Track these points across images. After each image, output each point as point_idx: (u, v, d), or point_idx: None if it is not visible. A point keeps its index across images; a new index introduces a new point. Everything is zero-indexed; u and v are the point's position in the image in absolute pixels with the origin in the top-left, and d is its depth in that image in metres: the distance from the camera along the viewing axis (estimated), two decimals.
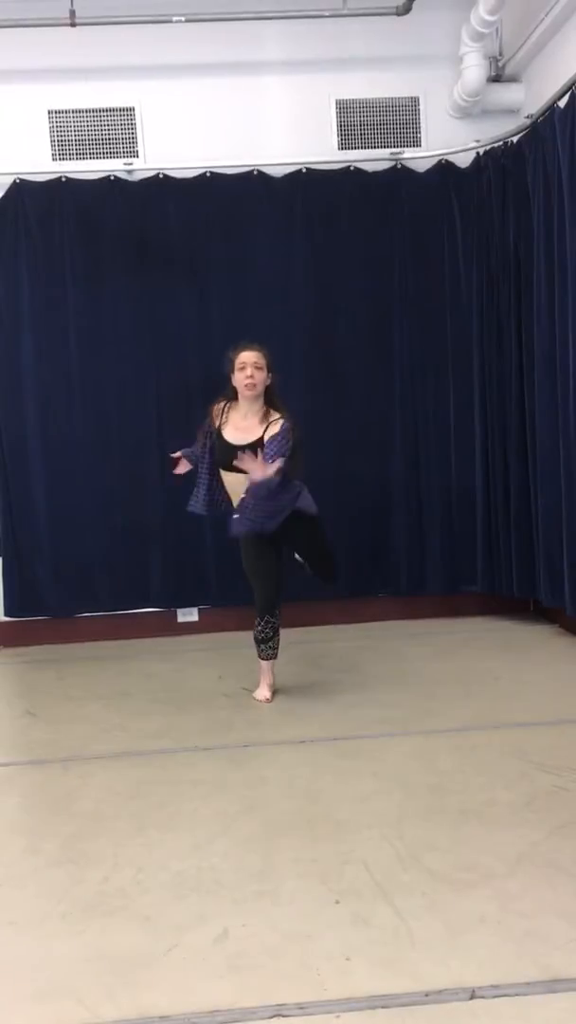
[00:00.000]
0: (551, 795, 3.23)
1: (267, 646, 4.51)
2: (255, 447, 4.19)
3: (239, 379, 4.26)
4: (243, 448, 4.15)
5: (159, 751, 3.94)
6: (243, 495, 4.17)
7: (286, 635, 4.65)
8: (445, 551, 6.10)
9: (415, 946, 2.38)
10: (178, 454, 4.56)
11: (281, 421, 4.24)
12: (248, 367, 4.24)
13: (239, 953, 2.39)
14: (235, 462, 4.09)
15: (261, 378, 4.26)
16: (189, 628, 6.16)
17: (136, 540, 6.04)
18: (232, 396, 4.35)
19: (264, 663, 4.55)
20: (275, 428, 4.22)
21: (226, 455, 4.24)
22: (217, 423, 4.35)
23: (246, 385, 4.24)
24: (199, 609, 6.16)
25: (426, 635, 5.79)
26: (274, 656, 4.54)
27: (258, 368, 4.25)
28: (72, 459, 5.97)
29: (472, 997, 2.16)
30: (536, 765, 3.50)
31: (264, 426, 4.25)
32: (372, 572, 6.15)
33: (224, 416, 4.35)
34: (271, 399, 4.34)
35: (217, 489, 4.44)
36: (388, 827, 3.05)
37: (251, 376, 4.23)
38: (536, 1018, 2.08)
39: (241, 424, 4.30)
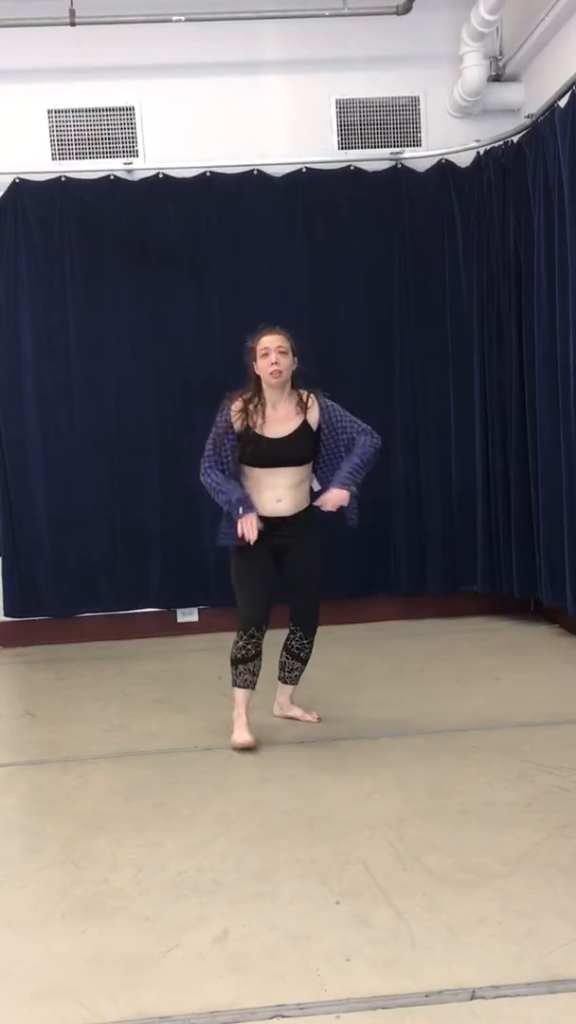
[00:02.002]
0: (551, 795, 3.23)
1: (245, 667, 3.95)
2: (299, 435, 3.90)
3: (263, 367, 3.88)
4: (288, 439, 3.87)
5: (159, 751, 3.93)
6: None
7: (285, 635, 4.23)
8: (445, 551, 6.10)
9: (415, 946, 2.37)
10: (249, 517, 3.81)
11: (315, 399, 3.96)
12: (272, 352, 3.87)
13: (239, 953, 2.39)
14: (325, 507, 3.86)
15: (287, 363, 3.89)
16: (189, 628, 6.16)
17: (136, 540, 6.04)
18: (256, 388, 3.95)
19: (239, 693, 3.98)
20: (317, 408, 3.93)
21: (272, 452, 3.86)
22: (244, 423, 3.90)
23: (271, 373, 3.86)
24: (199, 609, 6.16)
25: (426, 635, 5.79)
26: (252, 686, 3.98)
27: (282, 353, 3.88)
28: (72, 459, 5.97)
29: (472, 997, 2.15)
30: (536, 765, 3.50)
31: (300, 412, 3.93)
32: (372, 572, 6.15)
33: (254, 417, 3.91)
34: (296, 383, 3.99)
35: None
36: (388, 827, 3.05)
37: (276, 363, 3.86)
38: (536, 1018, 2.08)
39: (276, 416, 3.92)
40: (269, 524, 3.89)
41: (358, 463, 3.92)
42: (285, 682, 4.22)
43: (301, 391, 3.98)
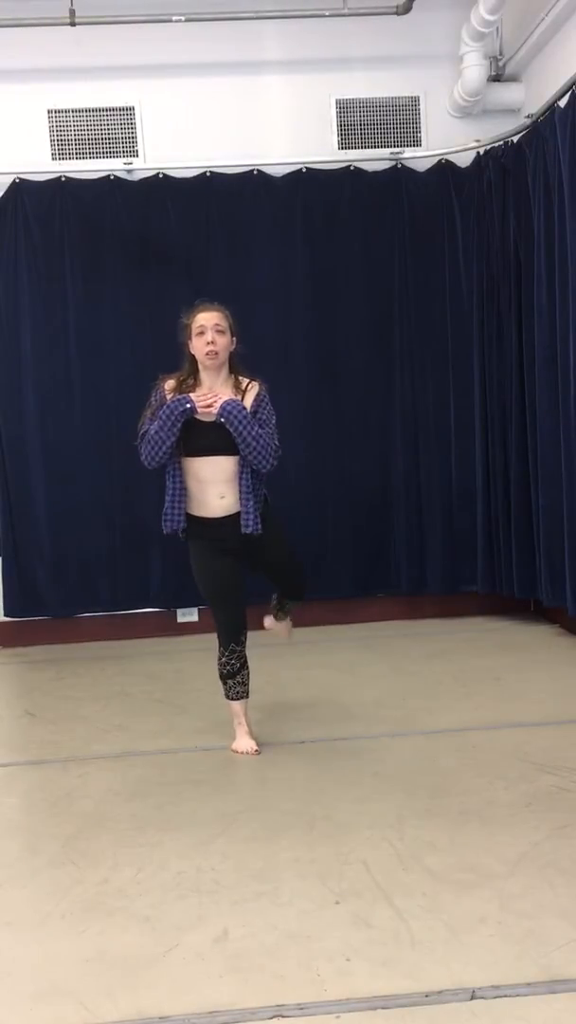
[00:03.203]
0: (551, 795, 3.23)
1: (235, 681, 3.87)
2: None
3: (198, 346, 3.65)
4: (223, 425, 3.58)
5: (159, 751, 3.93)
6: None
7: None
8: (445, 551, 6.10)
9: (415, 946, 2.37)
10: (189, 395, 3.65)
11: (257, 386, 3.71)
12: (208, 331, 3.62)
13: (239, 953, 2.39)
14: (201, 410, 3.59)
15: (224, 343, 3.66)
16: (189, 628, 6.15)
17: (136, 540, 6.03)
18: (191, 370, 3.74)
19: (235, 704, 3.92)
20: (252, 394, 3.68)
21: (205, 438, 3.63)
22: None
23: (207, 353, 3.62)
24: (199, 609, 6.15)
25: (426, 635, 5.79)
26: (246, 695, 3.91)
27: (219, 332, 3.64)
28: (72, 459, 5.97)
29: (472, 997, 2.15)
30: (536, 765, 3.50)
31: (238, 396, 3.66)
32: (372, 572, 6.15)
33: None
34: (235, 367, 3.76)
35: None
36: (388, 827, 3.05)
37: (212, 342, 3.61)
38: (536, 1018, 2.08)
39: (210, 399, 3.64)
40: (219, 527, 3.74)
41: (253, 430, 3.58)
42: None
43: (242, 377, 3.74)
